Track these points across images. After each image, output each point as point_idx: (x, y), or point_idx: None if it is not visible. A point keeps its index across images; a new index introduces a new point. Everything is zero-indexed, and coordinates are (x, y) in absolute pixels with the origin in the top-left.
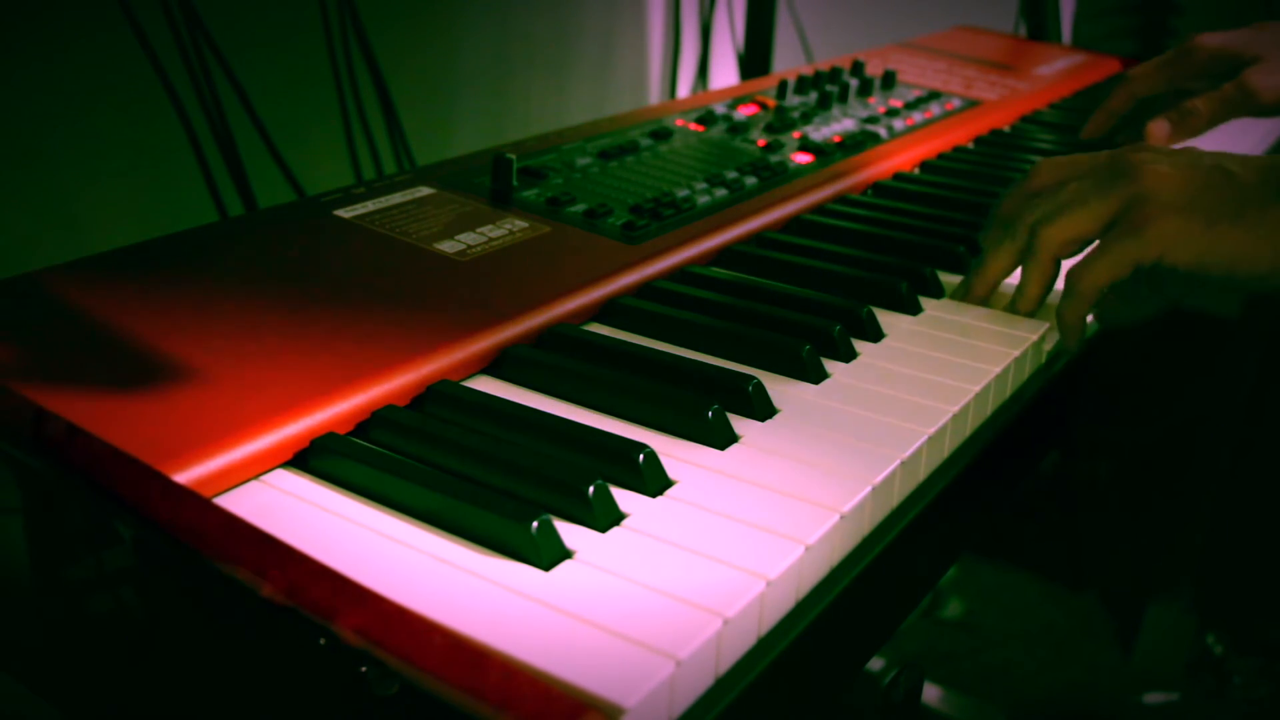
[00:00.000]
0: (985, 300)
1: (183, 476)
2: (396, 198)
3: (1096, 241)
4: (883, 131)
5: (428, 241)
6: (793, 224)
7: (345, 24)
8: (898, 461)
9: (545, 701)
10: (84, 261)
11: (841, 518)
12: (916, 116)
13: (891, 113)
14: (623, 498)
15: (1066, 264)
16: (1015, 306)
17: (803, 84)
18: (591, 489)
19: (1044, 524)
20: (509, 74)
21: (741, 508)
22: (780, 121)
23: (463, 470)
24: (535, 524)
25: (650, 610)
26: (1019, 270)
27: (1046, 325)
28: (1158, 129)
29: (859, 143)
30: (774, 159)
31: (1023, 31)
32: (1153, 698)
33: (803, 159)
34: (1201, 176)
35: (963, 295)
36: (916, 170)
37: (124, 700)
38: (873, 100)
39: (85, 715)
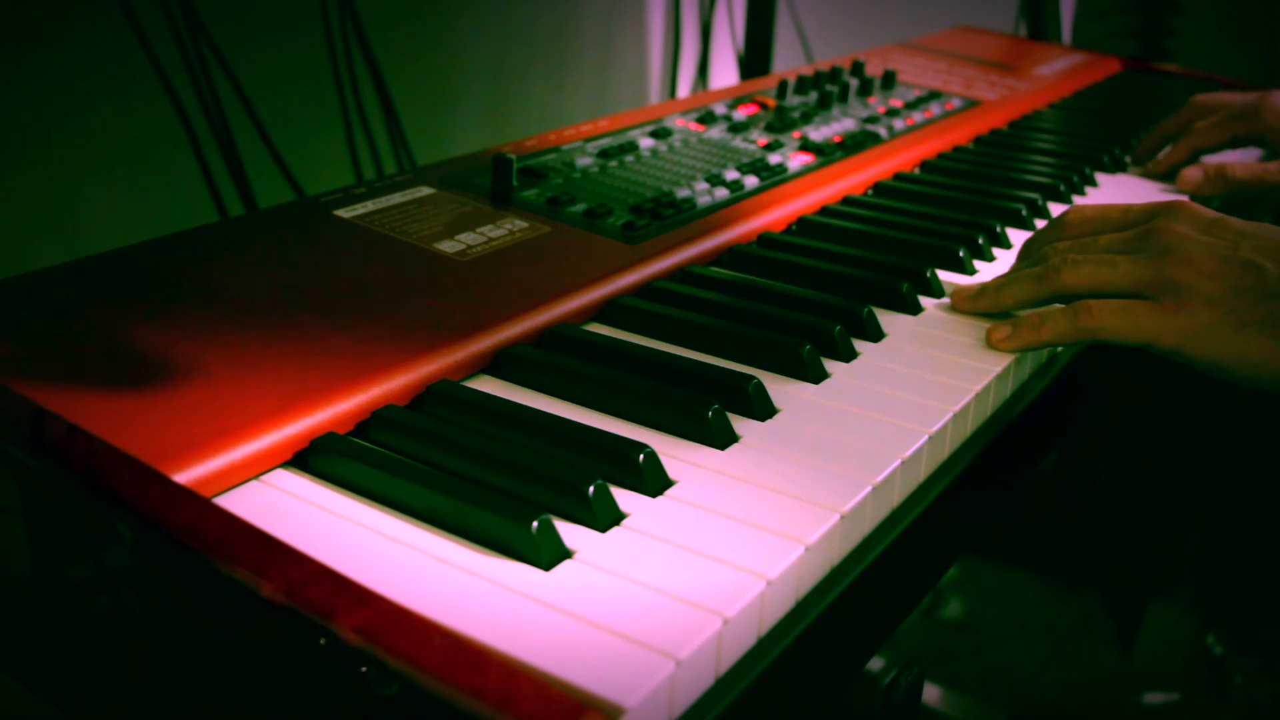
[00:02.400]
0: (984, 314)
1: (183, 476)
2: (396, 198)
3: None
4: (883, 131)
5: (428, 241)
6: (793, 224)
7: (345, 24)
8: (898, 461)
9: (545, 701)
10: (84, 261)
11: (842, 518)
12: (916, 116)
13: (891, 113)
14: (623, 498)
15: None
16: (987, 310)
17: (803, 84)
18: (591, 489)
19: (1044, 524)
20: (509, 74)
21: (741, 508)
22: (780, 121)
23: (463, 470)
24: (535, 524)
25: (650, 610)
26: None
27: None
28: (1191, 177)
29: (859, 143)
30: (774, 159)
31: (1023, 31)
32: (1153, 698)
33: (803, 159)
34: (1235, 272)
35: (963, 302)
36: (916, 170)
37: (124, 700)
38: (873, 100)
39: (85, 715)
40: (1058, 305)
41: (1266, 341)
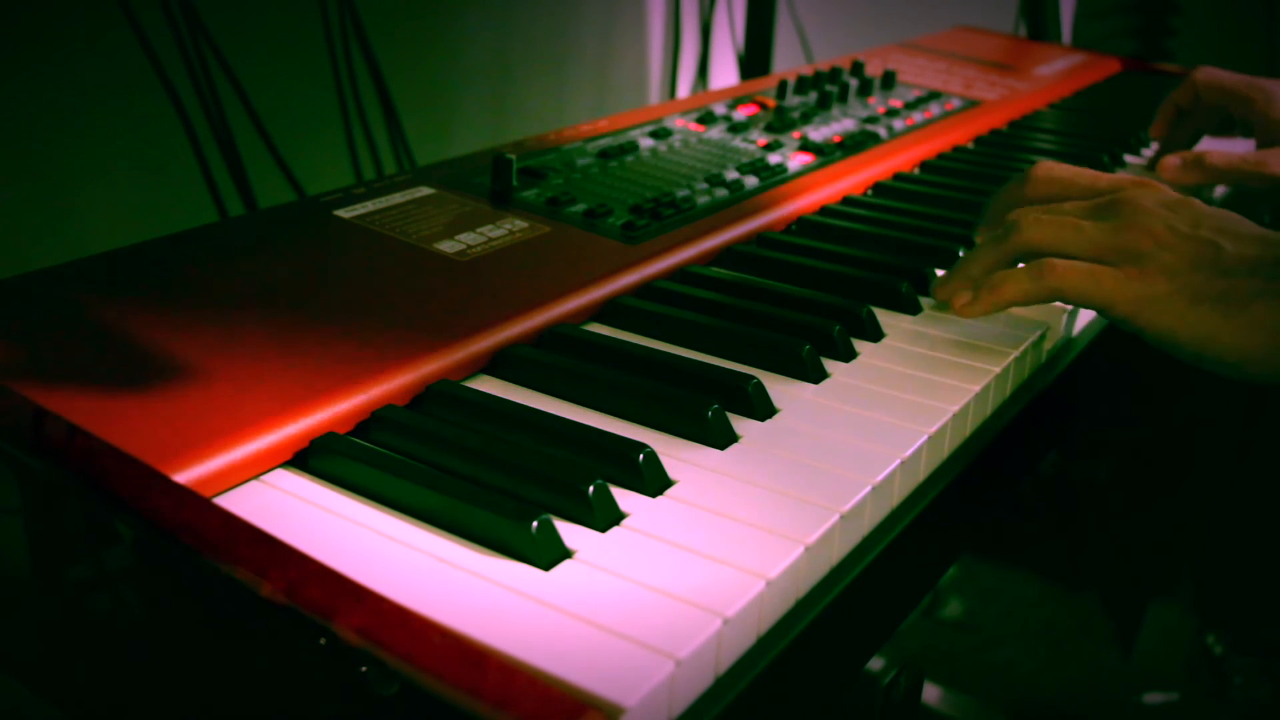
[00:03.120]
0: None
1: (183, 476)
2: (396, 198)
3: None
4: (883, 131)
5: (428, 241)
6: (793, 224)
7: (345, 24)
8: (898, 461)
9: (545, 701)
10: (84, 261)
11: (841, 518)
12: (916, 116)
13: (891, 113)
14: (623, 497)
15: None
16: (951, 284)
17: (803, 84)
18: (591, 489)
19: (1044, 524)
20: (509, 74)
21: (741, 507)
22: (780, 121)
23: (463, 470)
24: (535, 524)
25: (650, 610)
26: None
27: (1047, 325)
28: (1168, 165)
29: (859, 143)
30: (774, 159)
31: (1023, 31)
32: (1153, 698)
33: (803, 159)
34: (1194, 249)
35: (941, 292)
36: (916, 170)
37: (124, 700)
38: (873, 100)
39: (85, 715)
40: (1019, 267)
41: (1217, 318)
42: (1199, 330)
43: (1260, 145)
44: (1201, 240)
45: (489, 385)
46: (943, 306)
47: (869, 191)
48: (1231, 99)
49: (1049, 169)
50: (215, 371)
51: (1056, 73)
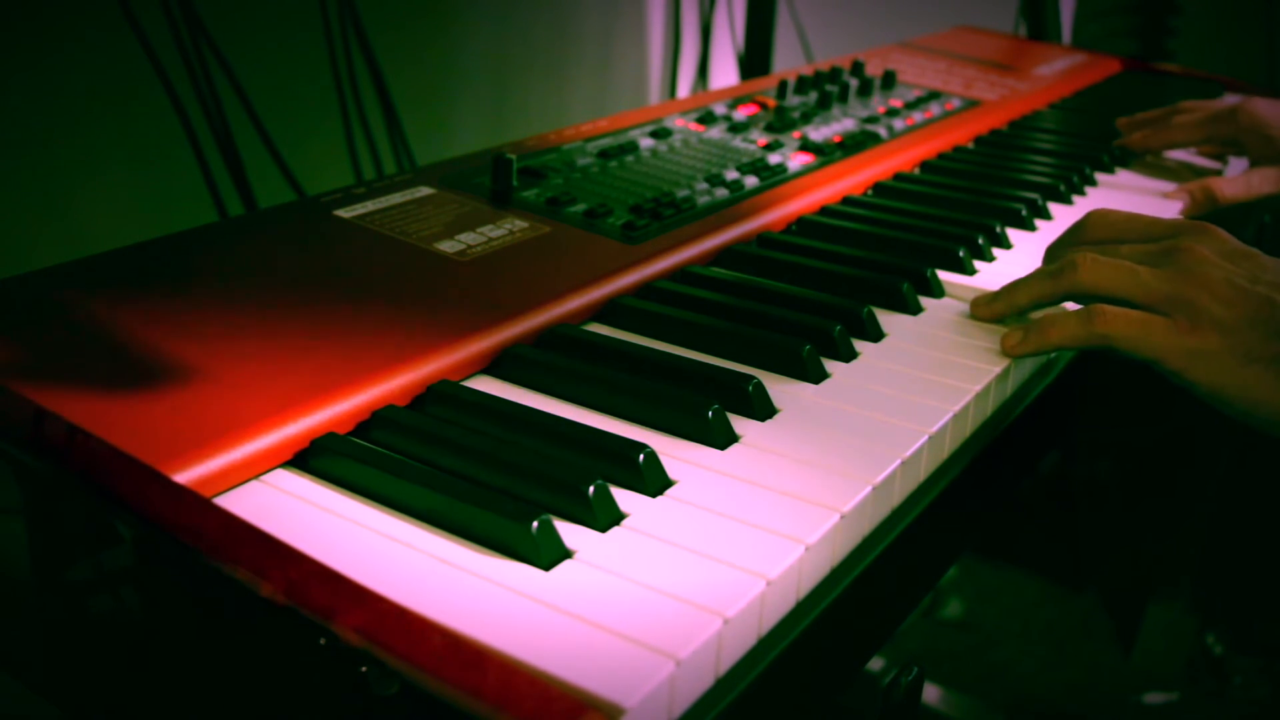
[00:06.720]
0: (1001, 318)
1: (183, 476)
2: (396, 198)
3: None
4: (883, 131)
5: (428, 241)
6: (793, 224)
7: (345, 24)
8: (898, 461)
9: (545, 701)
10: (84, 261)
11: (842, 517)
12: (916, 116)
13: (891, 113)
14: (623, 498)
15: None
16: (989, 309)
17: (803, 84)
18: (592, 489)
19: (1044, 524)
20: (509, 74)
21: (742, 508)
22: (780, 121)
23: (463, 470)
24: (535, 524)
25: (650, 610)
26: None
27: None
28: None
29: (859, 143)
30: (774, 159)
31: (1023, 31)
32: (1153, 698)
33: (803, 159)
34: (1252, 305)
35: (981, 310)
36: (916, 170)
37: (124, 700)
38: (873, 100)
39: (85, 715)
40: (1069, 309)
41: (1270, 379)
42: (1251, 391)
43: (1253, 150)
44: (1259, 296)
45: (489, 385)
46: (948, 308)
47: (869, 191)
48: (1212, 131)
49: (1103, 214)
50: (215, 371)
51: (1056, 73)
